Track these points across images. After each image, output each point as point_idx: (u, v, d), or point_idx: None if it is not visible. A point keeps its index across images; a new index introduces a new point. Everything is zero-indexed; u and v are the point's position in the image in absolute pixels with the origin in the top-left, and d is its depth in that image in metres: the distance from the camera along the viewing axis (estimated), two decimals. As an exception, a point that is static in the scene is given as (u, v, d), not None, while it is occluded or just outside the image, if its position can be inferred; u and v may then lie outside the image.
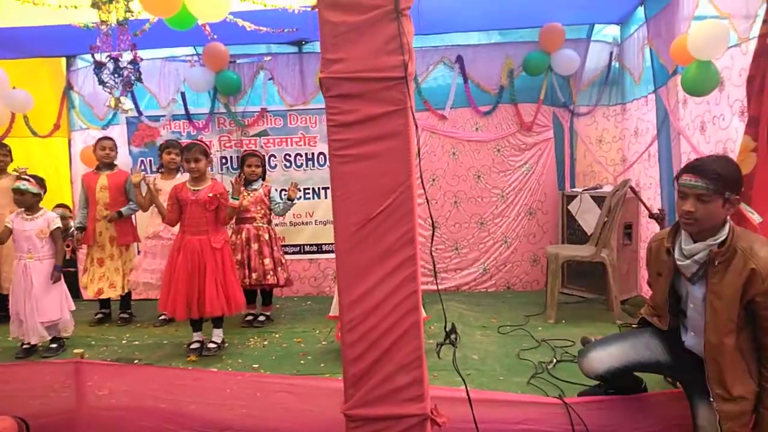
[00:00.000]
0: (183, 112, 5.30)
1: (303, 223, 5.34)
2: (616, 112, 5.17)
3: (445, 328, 2.12)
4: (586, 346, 2.56)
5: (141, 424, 2.74)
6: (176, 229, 3.81)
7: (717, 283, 2.02)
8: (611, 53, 5.09)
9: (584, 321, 4.14)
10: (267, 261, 4.23)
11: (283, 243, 5.16)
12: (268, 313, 4.51)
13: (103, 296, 4.50)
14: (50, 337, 3.83)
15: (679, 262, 2.14)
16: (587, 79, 5.17)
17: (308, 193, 5.31)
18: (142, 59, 3.79)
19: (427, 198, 2.00)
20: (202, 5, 3.59)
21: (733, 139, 3.19)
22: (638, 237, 4.69)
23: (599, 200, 4.56)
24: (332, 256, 5.16)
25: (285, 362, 3.54)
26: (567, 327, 4.03)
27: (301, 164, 5.29)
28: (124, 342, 4.09)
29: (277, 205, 4.35)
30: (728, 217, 2.07)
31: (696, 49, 3.17)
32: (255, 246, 4.22)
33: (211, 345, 3.74)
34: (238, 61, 5.20)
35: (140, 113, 5.28)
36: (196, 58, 5.23)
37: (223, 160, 5.34)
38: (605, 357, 2.41)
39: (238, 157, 5.20)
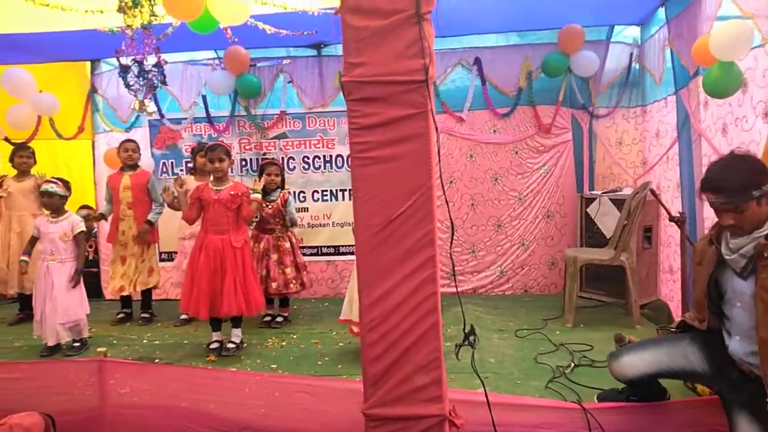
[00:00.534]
0: (204, 115, 5.37)
1: (320, 225, 5.38)
2: (636, 114, 5.12)
3: (463, 329, 2.13)
4: (620, 349, 2.52)
5: (162, 422, 2.78)
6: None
7: (767, 277, 1.96)
8: (631, 54, 5.04)
9: (603, 325, 4.10)
10: (288, 270, 4.27)
11: (301, 245, 5.20)
12: (285, 314, 4.54)
13: (124, 293, 4.57)
14: (69, 339, 3.88)
15: (726, 257, 2.09)
16: (607, 80, 5.13)
17: (326, 195, 5.35)
18: (166, 62, 3.86)
19: (446, 200, 2.01)
20: (224, 9, 3.65)
21: (756, 141, 3.14)
22: (658, 240, 4.64)
23: (619, 203, 4.52)
24: (350, 257, 5.19)
25: (303, 363, 3.57)
26: (585, 331, 4.00)
27: (319, 166, 5.33)
28: (145, 341, 4.15)
29: (289, 214, 4.33)
30: None
31: (718, 50, 3.12)
32: (275, 256, 4.26)
33: (230, 345, 3.79)
34: (258, 65, 5.26)
35: (162, 116, 5.37)
36: (217, 61, 5.30)
37: (243, 163, 5.40)
38: (638, 362, 2.36)
39: (257, 159, 5.26)
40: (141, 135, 5.36)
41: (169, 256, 5.34)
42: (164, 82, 3.81)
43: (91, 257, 5.46)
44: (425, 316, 1.90)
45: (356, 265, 1.96)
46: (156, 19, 3.58)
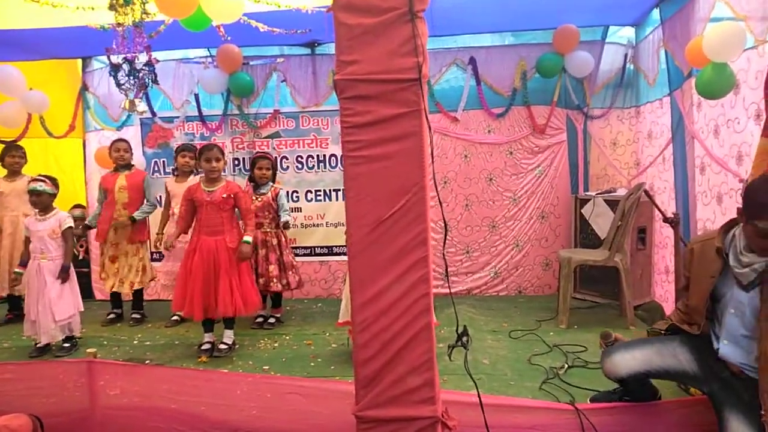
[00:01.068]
0: (196, 113, 5.33)
1: (314, 225, 5.35)
2: (630, 114, 5.13)
3: (456, 330, 2.11)
4: (610, 348, 2.52)
5: (152, 424, 2.75)
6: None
7: None
8: (626, 55, 5.05)
9: (596, 326, 4.10)
10: (271, 268, 4.24)
11: (293, 245, 5.17)
12: (278, 315, 4.51)
13: (115, 289, 4.54)
14: (62, 337, 3.86)
15: (735, 270, 2.09)
16: (601, 81, 5.13)
17: (319, 195, 5.32)
18: (157, 61, 3.82)
19: (440, 200, 2.00)
20: (217, 6, 3.62)
21: (749, 143, 3.15)
22: (652, 241, 4.64)
23: (613, 204, 4.52)
24: (343, 258, 5.17)
25: (295, 364, 3.55)
26: (579, 332, 4.00)
27: (313, 166, 5.30)
28: (135, 342, 4.11)
29: (285, 213, 4.32)
30: None
31: (711, 51, 3.13)
32: (262, 252, 4.24)
33: (222, 346, 3.76)
34: (251, 63, 5.23)
35: (154, 114, 5.33)
36: (209, 59, 5.26)
37: (236, 162, 5.37)
38: (630, 360, 2.37)
39: (250, 158, 5.23)
40: (132, 133, 5.32)
41: (160, 256, 5.29)
42: (155, 81, 3.78)
43: (81, 257, 5.41)
44: (418, 317, 1.89)
45: (348, 265, 1.94)
46: (148, 17, 3.55)
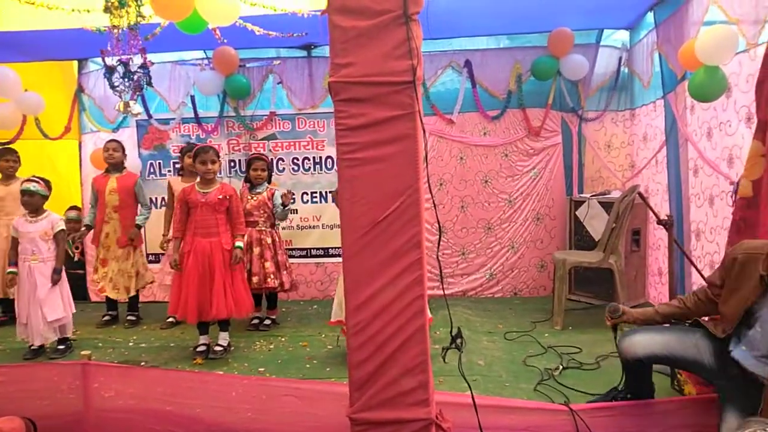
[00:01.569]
0: (192, 115, 5.33)
1: (310, 227, 5.35)
2: (624, 117, 5.15)
3: (451, 332, 2.12)
4: (630, 330, 2.49)
5: (147, 427, 2.74)
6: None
7: None
8: (620, 58, 5.08)
9: (591, 328, 4.11)
10: (268, 264, 4.24)
11: (289, 246, 5.17)
12: (273, 317, 4.51)
13: (104, 294, 4.53)
14: (55, 338, 3.85)
15: None
16: (596, 84, 5.16)
17: (315, 197, 5.33)
18: (152, 63, 3.82)
19: (434, 202, 2.01)
20: (213, 9, 3.62)
21: (740, 146, 3.17)
22: (646, 243, 4.66)
23: (607, 206, 4.54)
24: (339, 260, 5.15)
25: (291, 366, 3.54)
26: (574, 333, 4.01)
27: (309, 168, 5.31)
28: (130, 344, 4.10)
29: (276, 209, 4.35)
30: None
31: (704, 54, 3.15)
32: (257, 250, 4.23)
33: (218, 348, 3.75)
34: (247, 65, 5.24)
35: (150, 116, 5.32)
36: (206, 61, 5.26)
37: (232, 164, 5.37)
38: (649, 341, 2.36)
39: (246, 160, 5.22)
40: (128, 135, 5.31)
41: (156, 258, 5.29)
42: (150, 84, 3.78)
43: (77, 259, 5.40)
44: (412, 319, 1.89)
45: (342, 267, 1.95)
46: (143, 20, 3.55)
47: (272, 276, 4.25)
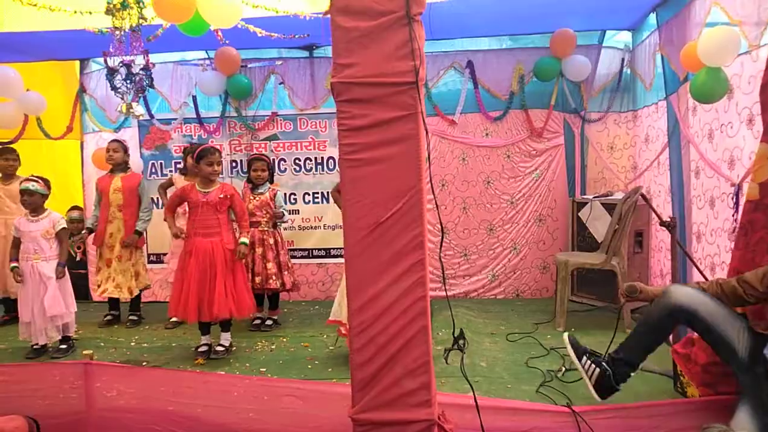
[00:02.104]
0: (194, 115, 5.33)
1: (311, 228, 5.35)
2: (627, 118, 5.14)
3: (453, 334, 2.12)
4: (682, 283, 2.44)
5: (149, 427, 2.74)
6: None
7: None
8: (623, 59, 5.07)
9: (594, 329, 4.10)
10: (270, 265, 4.24)
11: (291, 247, 5.17)
12: (275, 317, 4.51)
13: (106, 295, 4.53)
14: (59, 337, 3.85)
15: None
16: (598, 85, 5.15)
17: (317, 198, 5.33)
18: (154, 65, 3.82)
19: (436, 203, 2.00)
20: (215, 12, 3.62)
21: (741, 147, 3.17)
22: (649, 245, 4.65)
23: (610, 207, 4.53)
24: (340, 260, 5.16)
25: (292, 366, 3.54)
26: (576, 335, 3.96)
27: (311, 168, 5.31)
28: (132, 344, 4.10)
29: (277, 209, 4.35)
30: None
31: (706, 56, 3.14)
32: (259, 250, 4.23)
33: (219, 348, 3.75)
34: (249, 66, 5.24)
35: (152, 116, 5.33)
36: (207, 62, 5.27)
37: (233, 164, 5.37)
38: (701, 298, 2.28)
39: (246, 160, 5.23)
40: (130, 135, 5.31)
41: (158, 258, 5.29)
42: (152, 86, 3.78)
43: (79, 258, 5.40)
44: (414, 320, 1.89)
45: (345, 268, 1.95)
46: (145, 22, 3.55)
47: (274, 277, 4.25)
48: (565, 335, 2.77)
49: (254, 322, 4.42)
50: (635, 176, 4.96)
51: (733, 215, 3.19)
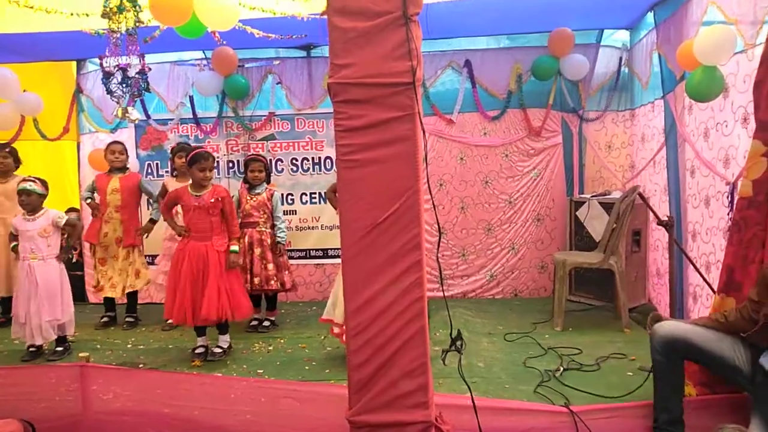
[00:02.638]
0: (191, 115, 5.32)
1: (309, 228, 5.34)
2: (625, 117, 5.14)
3: (450, 334, 2.11)
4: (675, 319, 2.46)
5: (145, 429, 2.74)
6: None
7: None
8: (621, 58, 5.07)
9: (592, 329, 4.10)
10: (270, 266, 4.22)
11: (288, 248, 5.15)
12: (272, 318, 4.50)
13: (102, 294, 4.52)
14: (55, 337, 3.83)
15: None
16: (596, 84, 5.14)
17: (314, 198, 5.31)
18: (150, 69, 3.81)
19: (433, 203, 2.00)
20: (212, 15, 3.60)
21: (735, 146, 3.17)
22: (647, 244, 4.65)
23: (608, 206, 4.52)
24: (338, 261, 5.14)
25: (290, 368, 3.53)
26: (574, 335, 4.00)
27: (308, 168, 5.30)
28: (129, 346, 4.09)
29: (280, 231, 4.34)
30: None
31: (702, 54, 3.14)
32: (258, 251, 4.22)
33: (217, 350, 3.73)
34: (246, 66, 5.22)
35: (148, 117, 5.31)
36: (204, 62, 5.25)
37: (230, 164, 5.35)
38: (687, 327, 2.31)
39: (243, 161, 5.22)
40: (127, 136, 5.29)
41: (152, 260, 5.28)
42: (148, 90, 3.77)
43: (75, 260, 5.38)
44: (411, 321, 1.89)
45: (341, 269, 1.94)
46: (141, 24, 3.54)
47: (274, 279, 4.24)
48: None
49: (251, 324, 4.41)
50: (633, 175, 4.96)
51: (728, 214, 3.19)
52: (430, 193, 1.91)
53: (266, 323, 4.42)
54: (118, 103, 3.73)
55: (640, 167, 4.78)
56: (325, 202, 5.25)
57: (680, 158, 3.89)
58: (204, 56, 5.30)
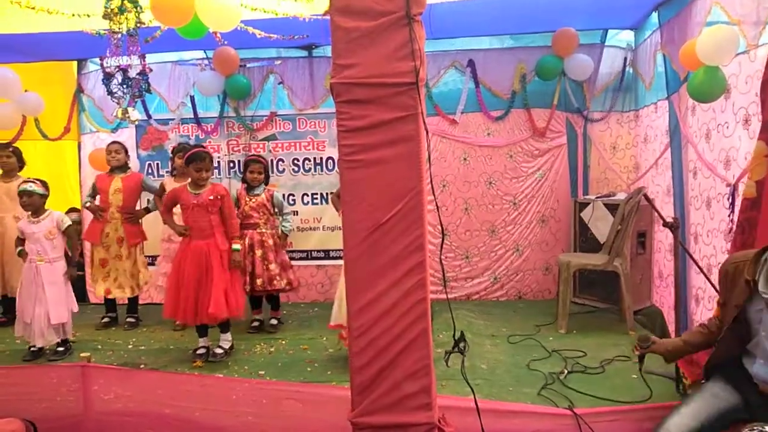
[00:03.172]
0: (192, 115, 5.31)
1: (310, 229, 5.32)
2: (629, 118, 5.11)
3: (454, 336, 2.09)
4: (663, 419, 2.43)
5: (146, 430, 2.73)
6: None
7: None
8: (625, 59, 5.03)
9: (596, 331, 4.08)
10: (273, 266, 4.21)
11: (290, 249, 5.14)
12: (278, 317, 4.48)
13: (110, 296, 4.51)
14: (57, 340, 3.83)
15: (765, 296, 2.03)
16: (601, 84, 5.11)
17: (316, 199, 5.30)
18: (151, 70, 3.80)
19: (437, 204, 1.98)
20: (214, 15, 3.59)
21: (736, 148, 3.15)
22: (652, 246, 4.62)
23: (612, 208, 4.50)
24: (340, 262, 5.12)
25: (291, 369, 3.51)
26: (578, 337, 3.97)
27: (309, 169, 5.28)
28: (130, 346, 4.08)
29: (286, 221, 4.36)
30: None
31: (704, 54, 3.12)
32: (259, 252, 4.20)
33: (218, 350, 3.72)
34: (248, 65, 5.21)
35: (149, 116, 5.30)
36: (206, 62, 5.24)
37: (231, 164, 5.34)
38: (680, 420, 2.21)
39: (243, 161, 5.20)
40: (127, 136, 5.28)
41: (152, 260, 5.27)
42: (148, 90, 3.76)
43: (76, 260, 5.37)
44: (414, 323, 1.87)
45: (344, 271, 1.92)
46: (142, 25, 3.53)
47: (278, 278, 4.22)
48: None
49: (252, 325, 4.40)
50: (638, 177, 4.93)
51: (729, 216, 3.17)
52: (434, 194, 1.90)
53: (273, 322, 4.42)
54: (118, 103, 3.72)
55: (643, 168, 4.76)
56: (327, 203, 5.24)
57: (683, 159, 3.87)
58: (205, 56, 5.29)
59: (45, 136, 5.30)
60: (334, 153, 5.10)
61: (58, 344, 3.86)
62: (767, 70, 2.61)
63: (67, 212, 5.27)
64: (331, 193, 5.12)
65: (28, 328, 3.75)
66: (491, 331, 4.17)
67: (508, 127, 5.16)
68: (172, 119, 5.32)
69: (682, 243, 3.57)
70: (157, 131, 5.33)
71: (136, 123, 4.68)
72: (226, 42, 4.35)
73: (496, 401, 2.84)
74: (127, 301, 4.61)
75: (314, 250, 5.33)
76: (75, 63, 5.40)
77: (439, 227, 2.37)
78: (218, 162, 5.25)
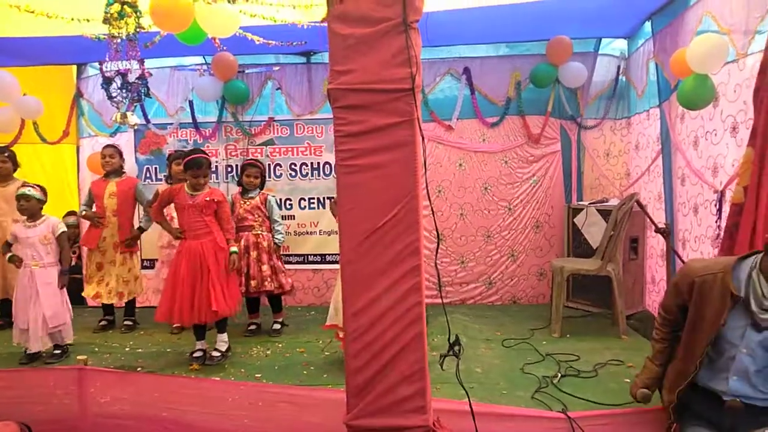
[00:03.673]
0: (190, 120, 5.33)
1: (307, 233, 5.34)
2: (622, 125, 5.17)
3: (448, 339, 2.12)
4: None
5: (142, 432, 2.73)
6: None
7: None
8: (618, 67, 5.10)
9: (589, 335, 4.11)
10: (265, 268, 4.23)
11: (286, 252, 5.16)
12: (281, 320, 4.49)
13: (100, 300, 4.52)
14: (52, 344, 3.83)
15: (760, 316, 1.99)
16: (594, 92, 5.17)
17: (313, 203, 5.32)
18: (151, 74, 3.83)
19: (432, 209, 2.01)
20: (213, 21, 3.62)
21: (724, 155, 3.20)
22: (644, 251, 4.66)
23: (605, 214, 4.54)
24: (336, 266, 5.16)
25: (288, 372, 3.53)
26: (572, 341, 4.00)
27: (307, 173, 5.31)
28: (127, 349, 4.08)
29: (278, 233, 4.37)
30: None
31: (694, 62, 3.17)
32: (254, 254, 4.22)
33: (215, 353, 3.73)
34: (246, 71, 5.25)
35: (148, 121, 5.32)
36: (204, 67, 5.27)
37: (229, 169, 5.37)
38: None
39: (240, 165, 5.22)
40: (126, 140, 5.31)
41: (151, 264, 5.28)
42: (148, 95, 3.79)
43: (74, 263, 5.38)
44: (409, 326, 1.89)
45: (340, 274, 1.95)
46: (142, 30, 3.56)
47: (269, 279, 4.24)
48: None
49: (249, 328, 4.41)
50: (630, 183, 4.98)
51: (716, 222, 3.21)
52: (429, 200, 1.93)
53: (276, 326, 4.43)
54: (117, 108, 3.74)
55: (635, 175, 4.81)
56: (324, 207, 5.27)
57: (673, 166, 3.92)
58: (204, 61, 5.32)
59: (44, 140, 5.31)
60: (331, 158, 5.14)
61: (55, 347, 3.86)
62: (759, 77, 2.65)
63: (65, 216, 5.28)
64: (330, 198, 5.16)
65: (25, 333, 3.74)
66: (486, 335, 4.20)
67: (503, 134, 5.20)
68: (171, 124, 5.34)
69: (673, 248, 3.62)
70: (156, 135, 5.35)
71: (135, 127, 4.70)
72: (225, 48, 4.39)
73: (491, 404, 2.85)
74: (123, 305, 4.61)
75: (311, 255, 5.35)
76: (74, 67, 5.42)
77: (435, 232, 2.39)
78: (216, 167, 5.27)
